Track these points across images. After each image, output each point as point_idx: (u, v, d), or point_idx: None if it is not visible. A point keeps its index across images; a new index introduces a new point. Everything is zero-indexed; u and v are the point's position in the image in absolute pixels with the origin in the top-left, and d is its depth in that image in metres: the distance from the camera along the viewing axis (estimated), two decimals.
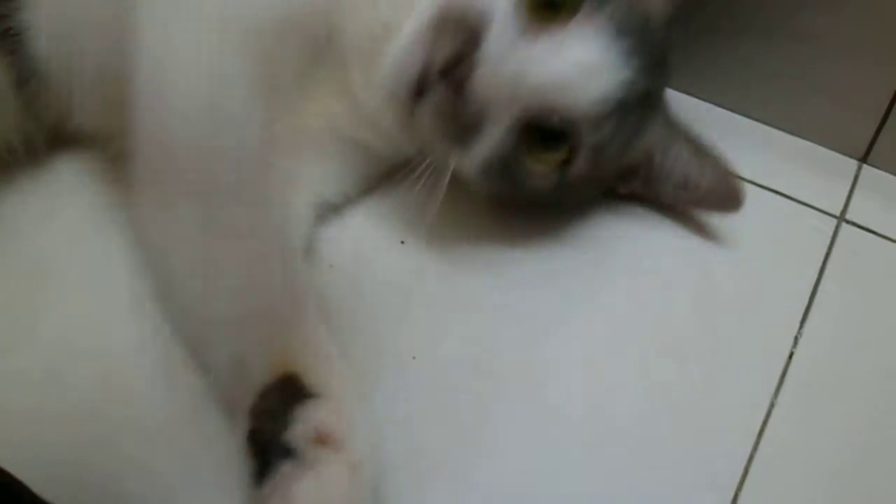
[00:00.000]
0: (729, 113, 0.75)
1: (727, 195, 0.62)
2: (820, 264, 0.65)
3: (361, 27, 0.57)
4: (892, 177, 0.72)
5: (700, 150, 0.62)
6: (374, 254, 0.62)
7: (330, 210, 0.63)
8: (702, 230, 0.65)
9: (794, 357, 0.60)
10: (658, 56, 0.57)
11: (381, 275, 0.61)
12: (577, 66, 0.53)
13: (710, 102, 0.75)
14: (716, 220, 0.65)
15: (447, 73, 0.52)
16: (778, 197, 0.69)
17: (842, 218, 0.68)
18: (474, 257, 0.63)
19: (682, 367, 0.59)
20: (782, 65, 0.70)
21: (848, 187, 0.71)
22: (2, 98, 0.57)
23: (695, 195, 0.62)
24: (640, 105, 0.57)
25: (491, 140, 0.55)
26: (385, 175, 0.64)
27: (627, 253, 0.65)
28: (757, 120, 0.74)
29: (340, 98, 0.60)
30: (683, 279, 0.63)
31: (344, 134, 0.61)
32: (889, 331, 0.62)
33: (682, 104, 0.74)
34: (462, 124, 0.53)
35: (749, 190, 0.68)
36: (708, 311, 0.62)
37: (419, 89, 0.53)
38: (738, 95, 0.74)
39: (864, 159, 0.72)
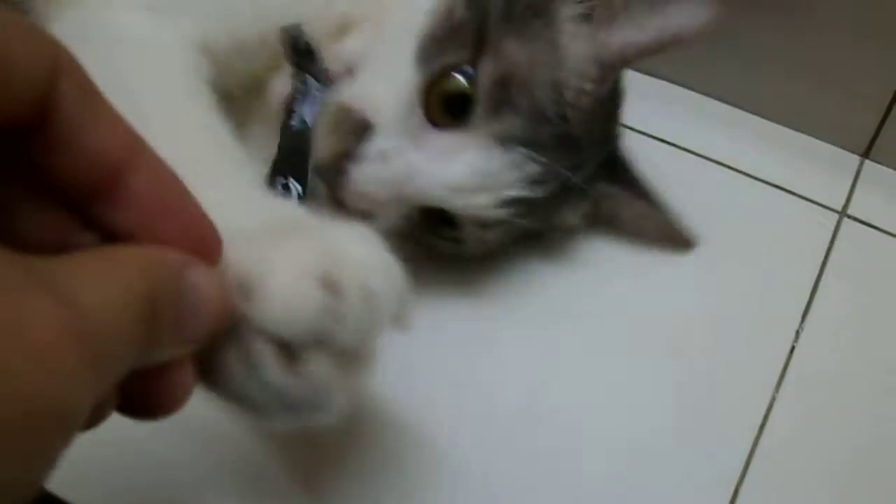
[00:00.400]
0: (731, 107, 0.75)
1: (679, 243, 0.63)
2: (822, 259, 0.65)
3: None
4: (894, 172, 0.72)
5: (643, 207, 0.61)
6: None
7: None
8: (700, 225, 0.65)
9: (795, 351, 0.60)
10: (578, 145, 0.53)
11: None
12: (463, 179, 0.50)
13: (712, 97, 0.75)
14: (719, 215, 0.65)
15: (334, 164, 0.51)
16: (780, 192, 0.69)
17: (843, 213, 0.68)
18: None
19: (683, 362, 0.58)
20: (784, 59, 0.70)
21: (850, 182, 0.70)
22: None
23: (648, 242, 0.63)
24: (553, 196, 0.54)
25: (383, 225, 0.52)
26: None
27: (627, 248, 0.64)
28: (759, 115, 0.74)
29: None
30: (684, 274, 0.63)
31: None
32: (890, 326, 0.61)
33: (682, 98, 0.74)
34: (351, 212, 0.52)
35: (750, 184, 0.69)
36: (709, 305, 0.62)
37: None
38: (741, 90, 0.74)
39: (866, 154, 0.72)
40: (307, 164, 0.52)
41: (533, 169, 0.51)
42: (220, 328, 0.29)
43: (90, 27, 0.52)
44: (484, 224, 0.54)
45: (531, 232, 0.58)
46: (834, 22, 0.66)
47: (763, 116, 0.74)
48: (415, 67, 0.51)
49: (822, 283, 0.63)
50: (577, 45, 0.52)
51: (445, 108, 0.51)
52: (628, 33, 0.53)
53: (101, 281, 0.24)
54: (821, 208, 0.68)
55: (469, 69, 0.50)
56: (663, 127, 0.71)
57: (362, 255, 0.32)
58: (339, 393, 0.32)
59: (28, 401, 0.20)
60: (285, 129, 0.53)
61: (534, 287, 0.62)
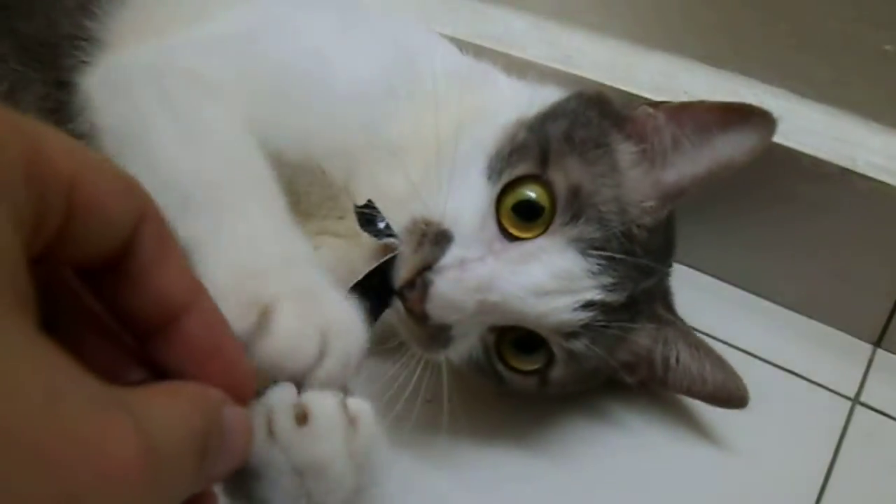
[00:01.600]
0: (746, 293, 0.80)
1: (732, 395, 0.62)
2: (835, 446, 0.68)
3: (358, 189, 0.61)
4: None
5: (701, 350, 0.62)
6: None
7: None
8: (714, 410, 0.68)
9: None
10: (643, 263, 0.56)
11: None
12: (544, 282, 0.53)
13: (728, 282, 0.80)
14: None
15: (415, 279, 0.53)
16: (794, 377, 0.72)
17: (856, 400, 0.71)
18: (484, 429, 0.65)
19: None
20: (796, 249, 0.75)
21: (862, 370, 0.74)
22: None
23: (700, 394, 0.63)
24: (624, 310, 0.56)
25: (463, 347, 0.57)
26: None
27: (634, 434, 0.67)
28: (774, 301, 0.79)
29: (356, 248, 0.63)
30: (698, 458, 0.66)
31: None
32: None
33: (700, 283, 0.79)
34: (430, 332, 0.54)
35: (765, 369, 0.73)
36: (724, 491, 0.64)
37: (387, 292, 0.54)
38: (755, 277, 0.79)
39: (878, 343, 0.76)
40: (389, 283, 0.54)
41: (607, 275, 0.54)
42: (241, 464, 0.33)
43: (156, 67, 0.58)
44: (568, 333, 0.55)
45: (602, 371, 0.60)
46: (842, 215, 0.71)
47: (778, 303, 0.79)
48: (485, 181, 0.56)
49: (835, 470, 0.66)
50: (635, 173, 0.58)
51: (516, 216, 0.54)
52: (682, 167, 0.59)
53: (168, 414, 0.27)
54: (834, 395, 0.72)
55: (541, 177, 0.55)
56: (678, 310, 0.75)
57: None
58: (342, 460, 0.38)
59: None
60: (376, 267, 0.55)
61: (548, 456, 0.65)
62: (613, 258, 0.54)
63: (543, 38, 0.81)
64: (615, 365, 0.59)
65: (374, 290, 0.53)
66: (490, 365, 0.58)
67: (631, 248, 0.56)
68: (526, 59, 0.78)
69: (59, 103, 0.64)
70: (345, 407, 0.40)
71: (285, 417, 0.37)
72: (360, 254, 0.64)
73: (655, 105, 0.61)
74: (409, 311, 0.54)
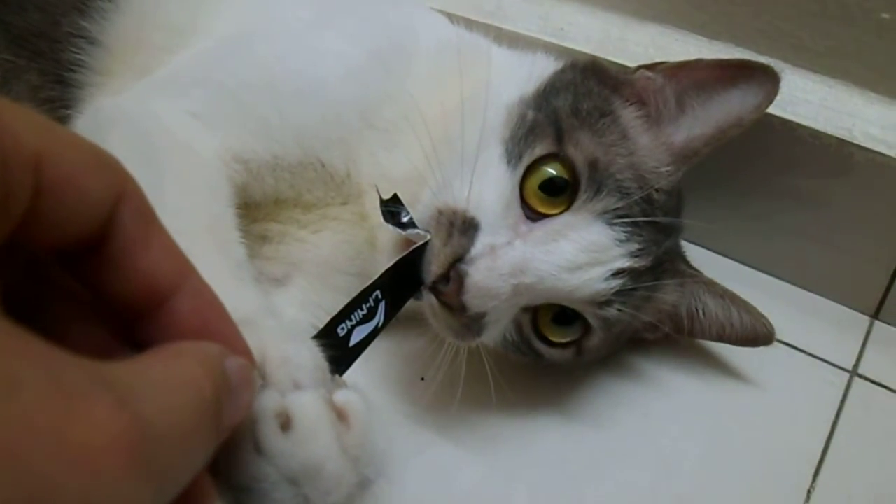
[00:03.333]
0: (744, 267, 0.80)
1: (759, 334, 0.64)
2: (833, 418, 0.68)
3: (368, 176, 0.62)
4: None
5: (726, 297, 0.63)
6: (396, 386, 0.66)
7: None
8: (716, 381, 0.68)
9: None
10: (664, 224, 0.58)
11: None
12: (575, 258, 0.53)
13: (726, 256, 0.80)
14: (730, 372, 0.69)
15: (447, 273, 0.53)
16: (792, 350, 0.72)
17: (854, 372, 0.71)
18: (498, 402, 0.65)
19: None
20: (794, 222, 0.75)
21: (860, 342, 0.74)
22: None
23: (730, 338, 0.64)
24: (649, 272, 0.57)
25: (497, 331, 0.57)
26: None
27: (640, 405, 0.68)
28: (771, 275, 0.79)
29: (360, 231, 0.64)
30: (696, 431, 0.66)
31: (356, 268, 0.65)
32: None
33: (698, 258, 0.78)
34: (465, 322, 0.54)
35: None
36: (721, 462, 0.64)
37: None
38: (753, 250, 0.79)
39: (875, 315, 0.76)
40: (419, 278, 0.54)
41: (633, 241, 0.55)
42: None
43: (133, 113, 0.58)
44: (601, 302, 0.56)
45: (627, 334, 0.62)
46: (841, 187, 0.71)
47: (775, 276, 0.79)
48: (505, 166, 0.56)
49: (833, 442, 0.66)
50: (645, 139, 0.59)
51: (543, 194, 0.55)
52: (690, 127, 0.59)
53: (167, 379, 0.25)
54: (832, 367, 0.72)
55: (559, 154, 0.55)
56: None
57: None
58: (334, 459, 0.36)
59: None
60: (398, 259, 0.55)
61: (546, 432, 0.65)
62: (637, 224, 0.55)
63: (535, 11, 0.80)
64: (642, 325, 0.61)
65: (400, 281, 0.53)
66: (527, 343, 0.59)
67: (652, 211, 0.57)
68: (517, 32, 0.77)
69: (55, 96, 0.65)
70: (330, 402, 0.38)
71: (269, 427, 0.35)
72: (365, 236, 0.65)
73: (652, 67, 0.61)
74: (444, 304, 0.54)
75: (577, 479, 0.62)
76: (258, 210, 0.63)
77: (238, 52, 0.63)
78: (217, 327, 0.31)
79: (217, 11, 0.67)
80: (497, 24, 0.78)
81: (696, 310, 0.63)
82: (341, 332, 0.47)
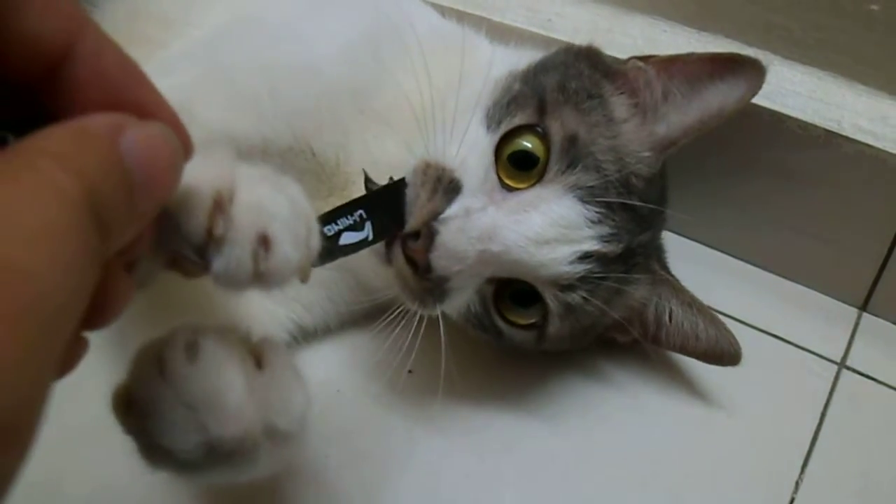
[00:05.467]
0: (732, 259, 0.79)
1: (724, 352, 0.62)
2: (821, 410, 0.68)
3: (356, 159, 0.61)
4: (891, 325, 0.75)
5: (694, 307, 0.62)
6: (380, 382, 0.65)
7: (307, 334, 0.65)
8: (703, 373, 0.68)
9: (795, 502, 0.61)
10: (642, 212, 0.57)
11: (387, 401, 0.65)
12: (543, 231, 0.53)
13: (714, 248, 0.80)
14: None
15: (422, 227, 0.53)
16: (780, 342, 0.72)
17: (842, 364, 0.71)
18: (480, 391, 0.66)
19: None
20: (782, 213, 0.75)
21: (848, 334, 0.74)
22: None
23: (693, 351, 0.63)
24: (619, 261, 0.56)
25: (460, 300, 0.56)
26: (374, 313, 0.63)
27: (627, 396, 0.67)
28: (760, 266, 0.79)
29: None
30: (683, 422, 0.66)
31: (335, 264, 0.65)
32: (888, 477, 0.63)
33: (686, 249, 0.79)
34: (427, 286, 0.54)
35: (751, 334, 0.73)
36: (709, 454, 0.64)
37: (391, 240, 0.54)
38: (741, 242, 0.79)
39: (863, 307, 0.76)
40: (402, 216, 0.54)
41: (605, 225, 0.55)
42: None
43: None
44: (564, 286, 0.55)
45: (596, 328, 0.61)
46: (829, 177, 0.71)
47: (763, 268, 0.79)
48: (485, 130, 0.56)
49: (821, 434, 0.66)
50: (630, 126, 0.58)
51: (512, 166, 0.55)
52: (673, 118, 0.59)
53: (12, 207, 0.21)
54: (820, 359, 0.72)
55: (538, 127, 0.55)
56: None
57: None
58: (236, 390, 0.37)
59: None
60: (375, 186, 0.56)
61: (527, 425, 0.65)
62: (611, 206, 0.54)
63: (522, 2, 0.79)
64: (610, 321, 0.60)
65: (385, 214, 0.53)
66: (489, 318, 0.59)
67: (628, 195, 0.56)
68: (505, 23, 0.77)
69: None
70: (248, 341, 0.40)
71: (176, 352, 0.37)
72: None
73: (645, 59, 0.61)
74: (409, 260, 0.54)
75: (565, 476, 0.62)
76: None
77: (231, 34, 0.63)
78: (125, 94, 0.27)
79: (210, 3, 0.67)
80: (484, 14, 0.77)
81: (663, 313, 0.62)
82: (329, 232, 0.48)
